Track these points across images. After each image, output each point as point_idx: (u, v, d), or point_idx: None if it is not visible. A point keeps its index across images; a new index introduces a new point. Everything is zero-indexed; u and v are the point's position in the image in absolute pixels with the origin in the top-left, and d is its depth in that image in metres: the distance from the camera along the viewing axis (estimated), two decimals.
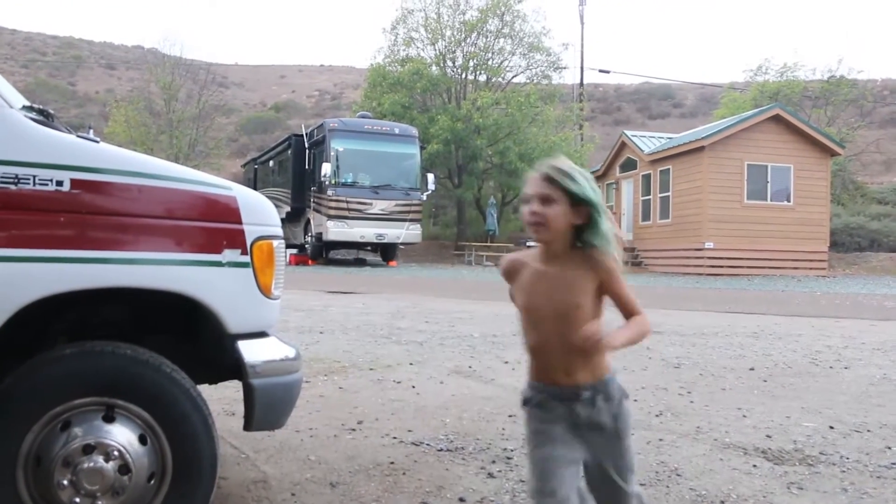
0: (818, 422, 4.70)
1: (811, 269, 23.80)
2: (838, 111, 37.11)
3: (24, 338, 2.58)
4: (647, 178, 26.89)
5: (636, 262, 26.50)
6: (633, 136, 28.96)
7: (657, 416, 4.78)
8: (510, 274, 2.32)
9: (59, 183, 2.39)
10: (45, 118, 2.59)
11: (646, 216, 26.93)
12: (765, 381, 6.02)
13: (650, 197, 26.60)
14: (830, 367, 6.67)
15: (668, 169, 25.33)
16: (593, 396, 2.20)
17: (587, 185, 2.15)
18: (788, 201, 24.01)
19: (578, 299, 2.18)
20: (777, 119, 23.87)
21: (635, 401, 5.17)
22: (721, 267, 23.12)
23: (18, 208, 2.34)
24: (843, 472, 3.70)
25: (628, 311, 2.25)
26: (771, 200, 23.91)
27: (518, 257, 2.33)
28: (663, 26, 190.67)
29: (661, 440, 4.20)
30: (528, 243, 28.96)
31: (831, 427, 4.57)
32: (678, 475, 3.59)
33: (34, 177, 2.36)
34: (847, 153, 30.82)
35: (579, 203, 2.14)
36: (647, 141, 28.26)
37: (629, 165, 28.31)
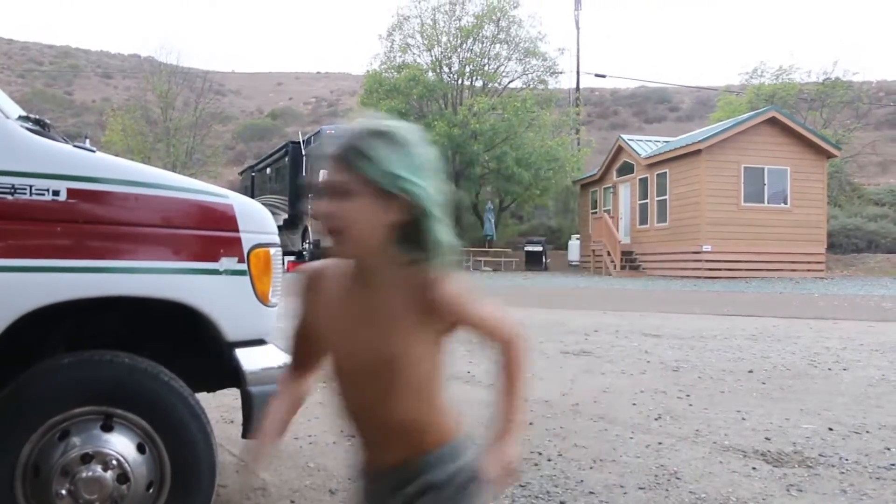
0: (817, 423, 4.70)
1: (809, 270, 23.80)
2: (834, 113, 37.13)
3: (23, 347, 2.58)
4: (644, 181, 26.90)
5: (634, 266, 26.51)
6: (629, 140, 28.96)
7: (656, 419, 4.78)
8: (309, 292, 1.53)
9: (56, 193, 2.39)
10: (42, 128, 2.59)
11: (643, 220, 26.92)
12: (763, 383, 6.02)
13: (647, 200, 26.60)
14: (829, 369, 6.67)
15: (665, 172, 25.34)
16: (411, 480, 1.47)
17: (398, 159, 1.36)
18: (785, 203, 24.02)
19: (400, 346, 1.41)
20: (773, 122, 23.89)
21: (634, 405, 5.17)
22: (719, 270, 23.11)
23: (15, 218, 2.34)
24: (843, 473, 3.70)
25: (495, 341, 1.49)
26: (768, 203, 23.92)
27: (324, 269, 1.51)
28: (659, 30, 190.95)
29: (660, 443, 4.20)
30: (525, 247, 28.62)
31: (830, 429, 4.57)
32: (678, 478, 3.59)
33: (31, 187, 2.36)
34: (843, 155, 30.81)
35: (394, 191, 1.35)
36: (644, 145, 28.27)
37: (626, 169, 28.32)
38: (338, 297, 1.46)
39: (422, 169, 1.39)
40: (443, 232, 1.37)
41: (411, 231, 1.37)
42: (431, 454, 1.47)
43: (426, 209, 1.36)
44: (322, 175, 1.39)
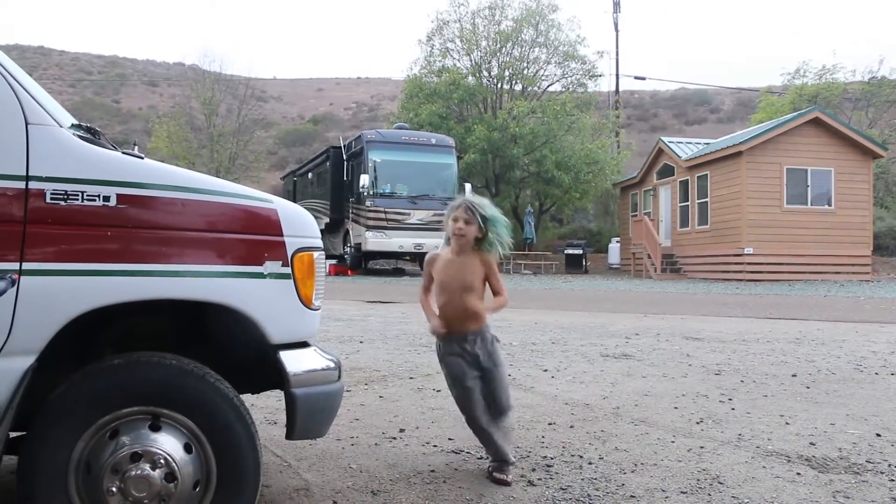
0: (864, 429, 4.62)
1: (854, 273, 23.40)
2: (880, 112, 36.46)
3: (75, 349, 2.65)
4: (684, 184, 26.67)
5: (675, 269, 26.26)
6: (669, 142, 28.73)
7: (698, 423, 4.75)
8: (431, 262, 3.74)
9: (106, 198, 2.46)
10: (93, 136, 2.66)
11: (684, 222, 26.69)
12: (808, 387, 5.94)
13: (688, 203, 26.37)
14: (876, 374, 6.56)
15: (706, 174, 25.10)
16: (475, 337, 3.63)
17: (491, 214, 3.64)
18: (829, 205, 23.65)
19: (473, 279, 3.60)
20: (816, 122, 23.53)
21: (675, 408, 5.14)
22: (761, 273, 22.83)
23: (68, 223, 2.41)
24: (892, 480, 3.63)
25: (496, 293, 3.67)
26: (811, 205, 23.57)
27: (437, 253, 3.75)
28: (699, 31, 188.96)
29: (702, 447, 4.17)
30: (565, 250, 28.58)
31: (878, 434, 4.49)
32: (720, 483, 3.56)
33: (82, 193, 2.43)
34: (890, 155, 30.27)
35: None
36: (685, 147, 28.03)
37: (666, 172, 28.10)
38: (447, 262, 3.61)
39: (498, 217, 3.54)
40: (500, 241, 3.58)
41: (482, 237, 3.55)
42: (482, 327, 3.65)
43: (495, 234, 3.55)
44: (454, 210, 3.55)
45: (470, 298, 3.54)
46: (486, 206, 3.61)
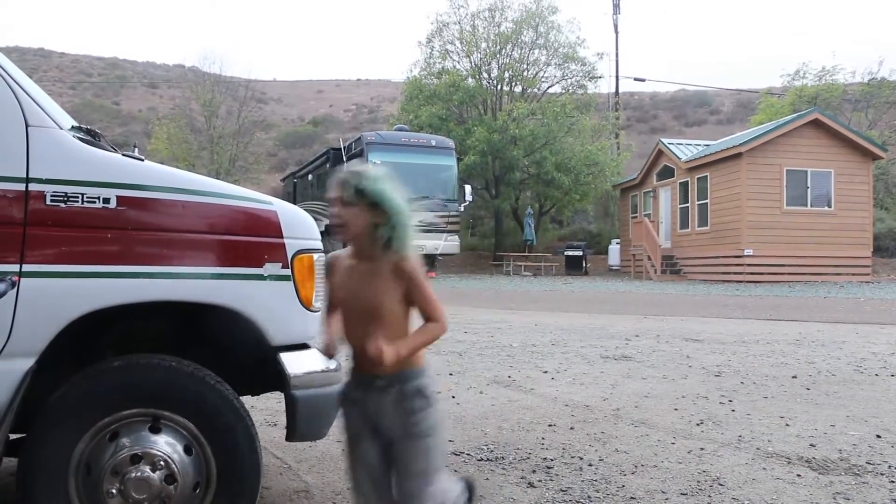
0: (864, 430, 4.62)
1: (854, 274, 23.37)
2: (880, 114, 36.41)
3: (74, 350, 2.65)
4: (684, 185, 26.64)
5: (675, 270, 26.24)
6: (669, 143, 28.69)
7: (698, 424, 4.75)
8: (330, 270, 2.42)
9: (107, 200, 2.46)
10: (93, 138, 2.66)
11: (684, 224, 26.66)
12: (808, 388, 5.94)
13: (688, 204, 26.33)
14: (876, 375, 6.56)
15: (706, 176, 25.08)
16: (387, 385, 2.23)
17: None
18: (829, 206, 23.62)
19: (380, 298, 2.21)
20: (816, 123, 23.50)
21: (675, 410, 5.13)
22: (761, 274, 22.80)
23: (68, 225, 2.41)
24: (893, 482, 3.63)
25: (426, 318, 2.23)
26: (811, 206, 23.53)
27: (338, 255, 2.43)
28: (698, 33, 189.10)
29: (702, 449, 4.17)
30: (565, 252, 28.44)
31: (878, 436, 4.49)
32: (720, 484, 3.56)
33: (82, 195, 2.43)
34: (890, 156, 30.24)
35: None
36: (684, 148, 28.00)
37: (666, 173, 28.08)
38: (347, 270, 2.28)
39: (392, 192, 2.21)
40: (405, 228, 2.22)
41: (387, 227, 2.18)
42: (401, 371, 2.19)
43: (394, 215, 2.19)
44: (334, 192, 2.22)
45: (373, 331, 2.11)
46: (376, 178, 2.22)
